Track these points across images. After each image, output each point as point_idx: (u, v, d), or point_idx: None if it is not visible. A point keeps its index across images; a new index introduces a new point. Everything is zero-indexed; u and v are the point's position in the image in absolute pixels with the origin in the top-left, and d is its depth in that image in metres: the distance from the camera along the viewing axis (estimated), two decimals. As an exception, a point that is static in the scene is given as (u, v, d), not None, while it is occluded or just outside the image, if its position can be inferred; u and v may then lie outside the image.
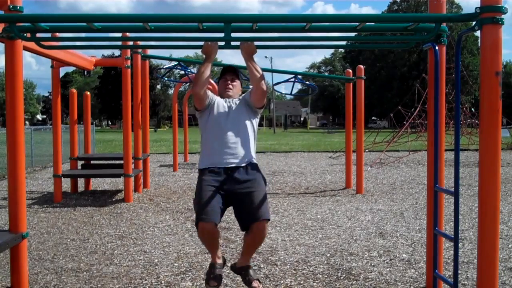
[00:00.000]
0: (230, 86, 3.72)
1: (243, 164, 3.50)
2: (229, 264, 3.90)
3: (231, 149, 3.49)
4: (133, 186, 8.66)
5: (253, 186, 3.48)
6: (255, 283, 3.51)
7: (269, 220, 3.49)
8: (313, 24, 3.52)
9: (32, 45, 4.88)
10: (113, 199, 8.46)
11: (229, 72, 3.77)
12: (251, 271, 3.58)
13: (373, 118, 68.00)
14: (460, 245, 4.63)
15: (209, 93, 3.62)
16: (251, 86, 3.70)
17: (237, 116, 3.57)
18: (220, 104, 3.62)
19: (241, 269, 3.60)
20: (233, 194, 3.45)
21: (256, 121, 3.69)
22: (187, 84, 15.29)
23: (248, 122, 3.61)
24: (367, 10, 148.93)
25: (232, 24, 3.47)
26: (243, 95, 3.75)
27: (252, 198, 3.43)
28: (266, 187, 3.62)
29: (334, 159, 16.20)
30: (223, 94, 3.70)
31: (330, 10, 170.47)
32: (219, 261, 3.57)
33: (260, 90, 3.56)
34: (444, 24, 3.51)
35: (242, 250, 3.69)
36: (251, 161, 3.55)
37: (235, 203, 3.50)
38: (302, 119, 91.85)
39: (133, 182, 8.70)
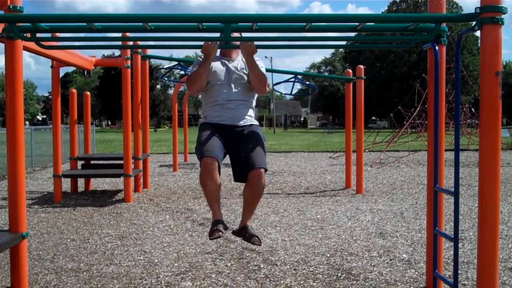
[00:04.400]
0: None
1: (243, 124, 3.65)
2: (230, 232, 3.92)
3: (232, 110, 3.62)
4: (133, 186, 8.66)
5: (252, 138, 3.59)
6: (254, 239, 3.52)
7: (266, 170, 3.56)
8: (313, 24, 3.52)
9: (32, 45, 4.88)
10: (113, 199, 8.46)
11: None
12: (249, 229, 3.60)
13: (373, 118, 68.00)
14: (460, 245, 4.64)
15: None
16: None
17: (237, 76, 3.70)
18: (219, 66, 3.72)
19: (241, 230, 3.63)
20: (231, 143, 3.56)
21: (255, 94, 3.85)
22: (187, 84, 15.31)
23: (247, 92, 3.73)
24: (363, 11, 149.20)
25: (232, 24, 3.47)
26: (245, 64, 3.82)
27: (250, 147, 3.52)
28: (265, 143, 3.73)
29: (334, 159, 16.20)
30: (225, 54, 3.82)
31: (327, 10, 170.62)
32: (221, 218, 3.58)
33: (262, 90, 3.67)
34: (444, 24, 3.51)
35: (242, 210, 3.73)
36: (250, 122, 3.69)
37: (233, 151, 3.59)
38: (302, 119, 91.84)
39: (133, 182, 8.70)
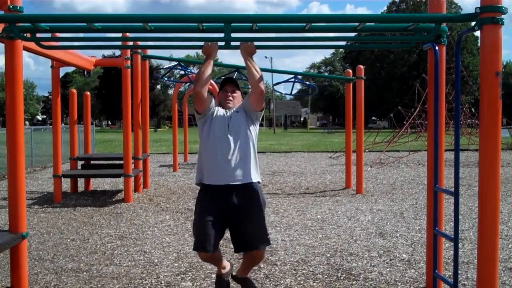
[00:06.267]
0: (231, 98, 3.61)
1: (242, 183, 3.41)
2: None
3: (230, 165, 3.38)
4: (133, 186, 8.66)
5: (251, 209, 3.43)
6: None
7: (269, 245, 3.56)
8: (313, 24, 3.52)
9: (32, 45, 4.88)
10: (113, 199, 8.46)
11: (229, 83, 3.69)
12: (250, 284, 3.70)
13: (373, 118, 67.98)
14: (460, 245, 4.63)
15: (212, 99, 3.53)
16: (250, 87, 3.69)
17: (237, 128, 3.46)
18: (220, 114, 3.50)
19: (241, 281, 3.70)
20: (230, 218, 3.42)
21: (256, 129, 3.59)
22: (187, 84, 15.30)
23: (248, 133, 3.49)
24: (362, 11, 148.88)
25: (232, 24, 3.47)
26: (241, 103, 3.64)
27: (249, 223, 3.41)
28: (265, 208, 3.58)
29: (334, 159, 16.20)
30: (223, 105, 3.59)
31: (325, 10, 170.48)
32: (225, 270, 3.67)
33: (258, 90, 3.48)
34: (444, 24, 3.51)
35: (242, 262, 3.75)
36: (251, 180, 3.44)
37: (232, 226, 3.47)
38: (302, 119, 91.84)
39: (133, 182, 8.70)
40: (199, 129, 3.56)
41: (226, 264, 3.71)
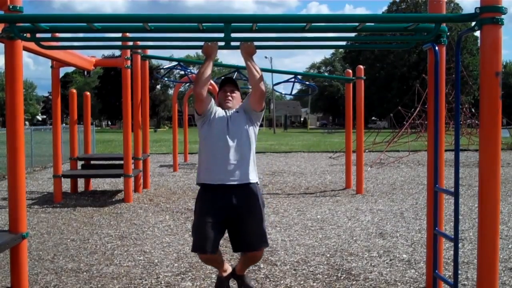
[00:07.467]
0: (230, 98, 3.61)
1: (241, 183, 3.40)
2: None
3: (229, 165, 3.39)
4: (133, 186, 8.66)
5: (250, 210, 3.42)
6: None
7: (267, 246, 3.54)
8: (313, 24, 3.52)
9: (32, 45, 4.88)
10: (113, 199, 8.46)
11: (229, 83, 3.69)
12: (247, 280, 3.70)
13: (373, 118, 67.99)
14: (460, 245, 4.63)
15: (211, 100, 3.53)
16: (250, 87, 3.68)
17: (237, 128, 3.46)
18: (220, 115, 3.50)
19: (238, 277, 3.70)
20: (229, 220, 3.42)
21: (256, 130, 3.59)
22: (187, 84, 15.30)
23: (248, 134, 3.49)
24: (361, 11, 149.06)
25: (232, 24, 3.47)
26: (241, 103, 3.65)
27: (248, 225, 3.40)
28: (265, 209, 3.56)
29: (334, 159, 16.20)
30: (223, 105, 3.60)
31: (324, 10, 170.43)
32: (226, 273, 3.68)
33: (259, 91, 3.48)
34: (444, 25, 3.51)
35: (239, 260, 3.74)
36: (249, 180, 3.44)
37: (231, 228, 3.47)
38: (302, 119, 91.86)
39: (133, 182, 8.70)
40: (199, 129, 3.57)
41: (228, 268, 3.71)
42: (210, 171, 3.43)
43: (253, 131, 3.55)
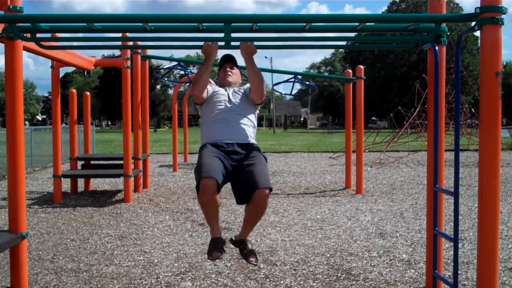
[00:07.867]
0: (230, 73, 3.83)
1: (245, 142, 3.55)
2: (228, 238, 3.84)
3: (233, 127, 3.56)
4: (133, 186, 8.66)
5: (254, 159, 3.50)
6: (252, 258, 3.46)
7: (271, 189, 3.43)
8: (313, 24, 3.52)
9: (32, 45, 4.87)
10: (113, 199, 8.46)
11: (228, 61, 3.89)
12: (249, 245, 3.52)
13: (373, 118, 67.99)
14: (460, 245, 4.64)
15: (208, 87, 3.71)
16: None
17: (237, 100, 3.69)
18: (221, 92, 3.73)
19: (240, 243, 3.55)
20: (234, 166, 3.45)
21: (255, 111, 3.77)
22: (187, 84, 15.29)
23: (248, 106, 3.70)
24: (361, 11, 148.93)
25: (232, 24, 3.47)
26: (243, 87, 3.83)
27: (253, 166, 3.42)
28: (267, 164, 3.64)
29: (334, 159, 16.20)
30: (223, 81, 3.82)
31: (324, 10, 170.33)
32: (219, 235, 3.47)
33: (259, 92, 3.59)
34: (444, 24, 3.51)
35: (242, 223, 3.63)
36: (252, 141, 3.61)
37: (236, 174, 3.44)
38: (302, 119, 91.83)
39: (133, 182, 8.70)
40: (201, 111, 3.74)
41: (220, 231, 3.52)
42: (213, 134, 3.57)
43: (253, 108, 3.73)
